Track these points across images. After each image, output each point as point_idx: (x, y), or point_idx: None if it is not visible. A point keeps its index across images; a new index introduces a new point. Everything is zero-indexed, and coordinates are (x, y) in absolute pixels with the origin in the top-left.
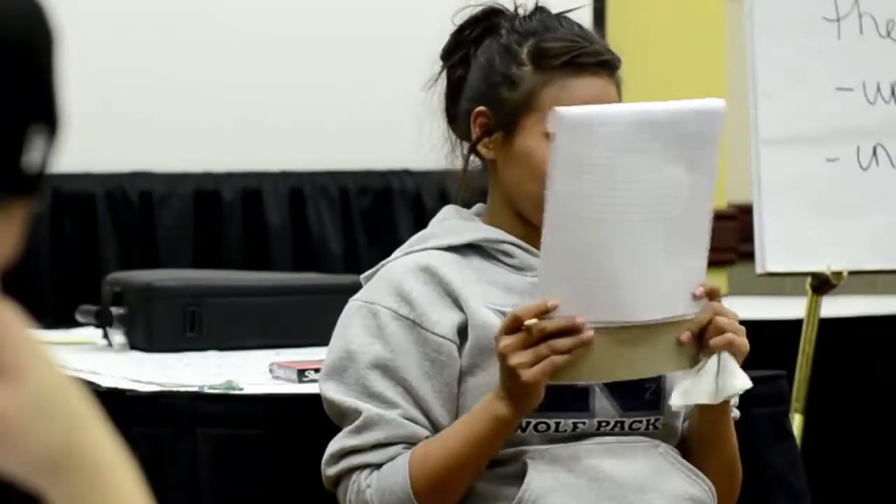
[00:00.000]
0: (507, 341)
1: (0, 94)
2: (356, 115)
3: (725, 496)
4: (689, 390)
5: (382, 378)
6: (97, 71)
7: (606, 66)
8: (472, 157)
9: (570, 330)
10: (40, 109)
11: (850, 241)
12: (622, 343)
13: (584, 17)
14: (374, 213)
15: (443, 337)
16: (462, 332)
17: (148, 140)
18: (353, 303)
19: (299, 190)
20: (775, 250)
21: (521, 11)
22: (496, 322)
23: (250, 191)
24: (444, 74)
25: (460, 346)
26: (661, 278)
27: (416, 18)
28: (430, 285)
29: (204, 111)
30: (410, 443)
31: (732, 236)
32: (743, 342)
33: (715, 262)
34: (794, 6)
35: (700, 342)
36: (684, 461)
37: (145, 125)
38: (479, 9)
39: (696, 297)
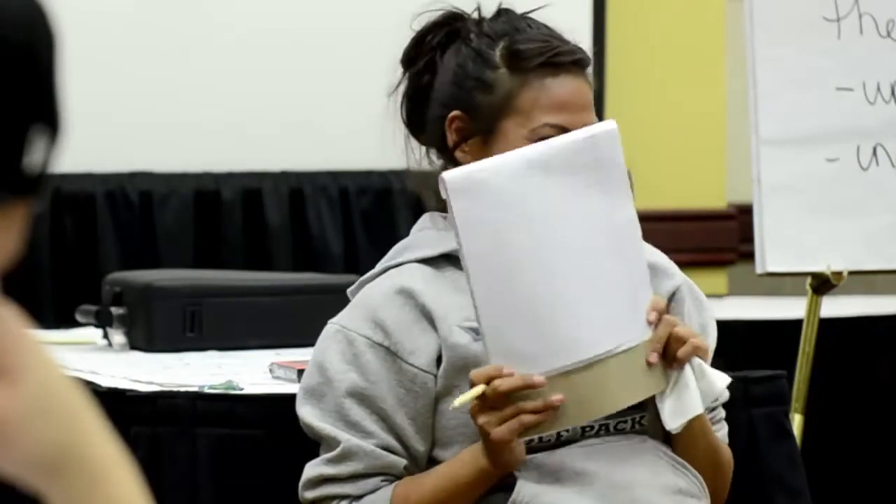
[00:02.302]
0: (473, 403)
1: (1, 94)
2: (356, 115)
3: (711, 486)
4: (677, 409)
5: (359, 406)
6: (97, 71)
7: (581, 64)
8: (440, 162)
9: (531, 386)
10: (41, 110)
11: (850, 240)
12: (590, 382)
13: (584, 18)
14: (374, 213)
15: (418, 368)
16: (440, 356)
17: (148, 140)
18: (331, 326)
19: (299, 190)
20: (775, 250)
21: (484, 14)
22: (467, 341)
23: (250, 191)
24: (405, 80)
25: (437, 370)
26: (604, 309)
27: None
28: (406, 308)
29: (204, 111)
30: (387, 473)
31: (732, 236)
32: (704, 344)
33: (715, 262)
34: (794, 6)
35: (665, 358)
36: (672, 454)
37: (145, 125)
38: (440, 14)
39: (650, 323)
